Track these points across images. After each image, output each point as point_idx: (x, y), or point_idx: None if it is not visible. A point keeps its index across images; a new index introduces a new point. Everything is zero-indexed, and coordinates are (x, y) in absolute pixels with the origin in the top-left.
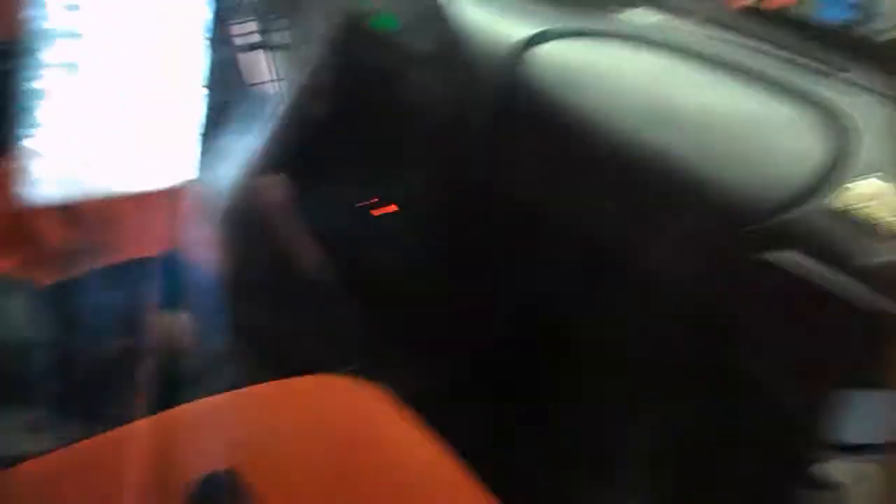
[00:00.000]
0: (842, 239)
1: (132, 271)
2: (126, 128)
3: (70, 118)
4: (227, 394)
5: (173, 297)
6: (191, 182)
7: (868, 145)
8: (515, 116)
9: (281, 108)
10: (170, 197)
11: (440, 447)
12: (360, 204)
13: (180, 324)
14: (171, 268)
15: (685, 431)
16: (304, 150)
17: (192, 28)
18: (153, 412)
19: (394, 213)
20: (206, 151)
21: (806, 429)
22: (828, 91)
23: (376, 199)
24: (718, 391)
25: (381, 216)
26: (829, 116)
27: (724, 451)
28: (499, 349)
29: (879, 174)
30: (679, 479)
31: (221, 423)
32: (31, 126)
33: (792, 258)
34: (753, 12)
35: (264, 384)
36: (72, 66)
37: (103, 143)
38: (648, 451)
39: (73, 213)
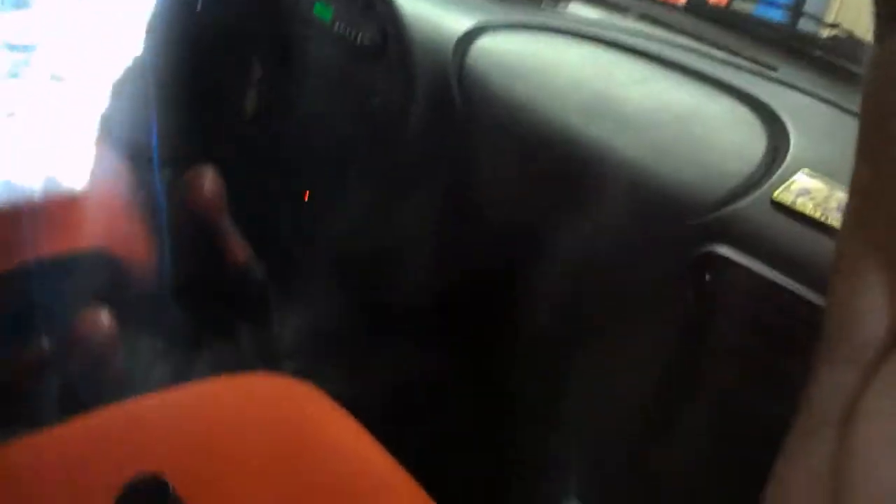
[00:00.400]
0: (776, 233)
1: (59, 267)
2: (51, 129)
3: None
4: (157, 393)
5: (101, 294)
6: (119, 178)
7: (799, 142)
8: (455, 109)
9: (217, 99)
10: (97, 193)
11: (376, 446)
12: (292, 195)
13: (107, 321)
14: (99, 264)
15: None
16: (234, 143)
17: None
18: (78, 413)
19: (326, 205)
20: (134, 146)
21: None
22: (762, 89)
23: (307, 191)
24: (666, 382)
25: (314, 211)
26: (764, 114)
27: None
28: (436, 347)
29: (808, 171)
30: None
31: (150, 423)
32: None
33: (730, 252)
34: (693, 7)
35: (194, 383)
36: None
37: (30, 144)
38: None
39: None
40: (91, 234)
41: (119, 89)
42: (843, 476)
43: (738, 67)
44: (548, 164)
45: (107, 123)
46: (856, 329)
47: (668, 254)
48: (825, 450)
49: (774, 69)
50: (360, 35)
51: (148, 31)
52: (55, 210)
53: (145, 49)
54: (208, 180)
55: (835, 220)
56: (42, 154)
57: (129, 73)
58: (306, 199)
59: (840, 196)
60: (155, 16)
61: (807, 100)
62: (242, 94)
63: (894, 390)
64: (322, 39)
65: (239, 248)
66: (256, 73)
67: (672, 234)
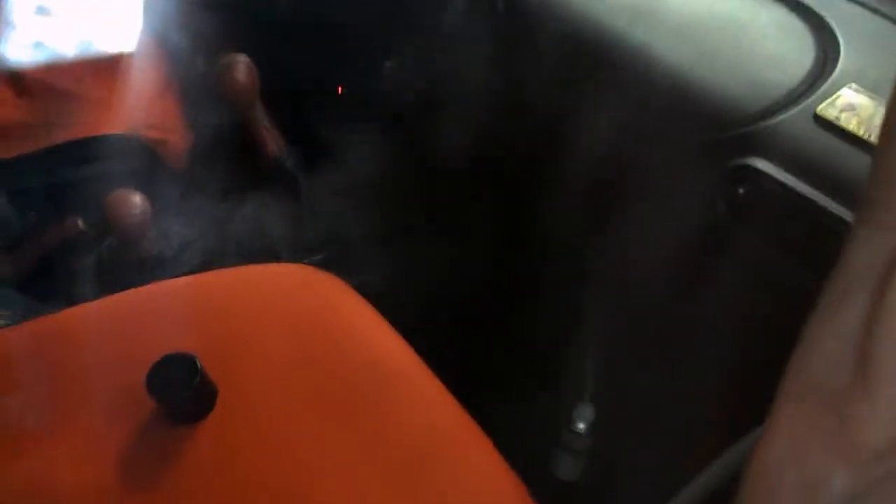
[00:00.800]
0: (817, 149)
1: (89, 149)
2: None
3: None
4: (186, 278)
5: (134, 177)
6: (155, 62)
7: (848, 55)
8: (496, 17)
9: None
10: (132, 76)
11: (394, 336)
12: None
13: (137, 204)
14: (133, 147)
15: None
16: (269, 33)
17: None
18: (110, 293)
19: (366, 111)
20: (171, 31)
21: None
22: None
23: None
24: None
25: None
26: (814, 23)
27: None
28: (459, 243)
29: (856, 85)
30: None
31: (180, 306)
32: None
33: (767, 166)
34: None
35: (223, 270)
36: None
37: (53, 8)
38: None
39: (26, 87)
40: (125, 118)
41: None
42: (874, 335)
43: None
44: (589, 65)
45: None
46: None
47: (705, 163)
48: (857, 312)
49: None
50: None
51: None
52: (90, 92)
53: None
54: (242, 68)
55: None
56: (76, 16)
57: None
58: (340, 92)
59: None
60: None
61: (860, 11)
62: None
63: None
64: None
65: (271, 139)
66: None
67: (710, 143)
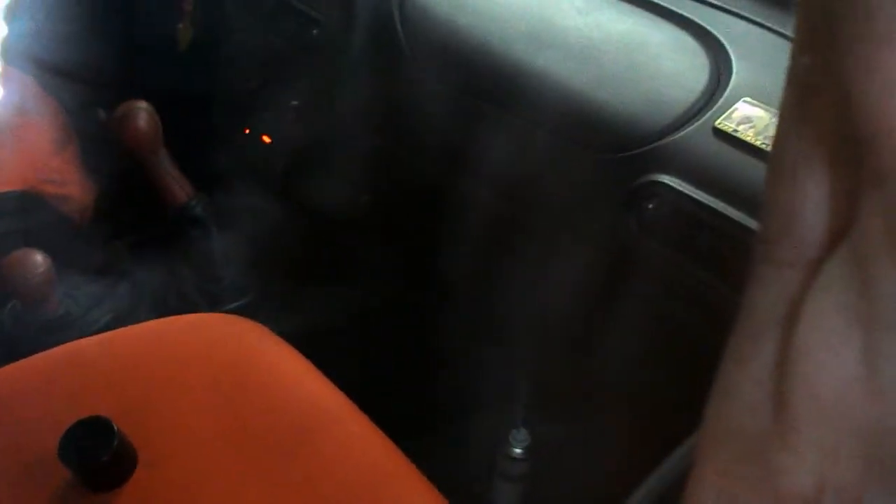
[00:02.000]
0: (718, 161)
1: None
2: None
3: None
4: (97, 337)
5: (33, 235)
6: (49, 115)
7: (741, 70)
8: (397, 38)
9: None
10: (21, 126)
11: (323, 381)
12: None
13: (39, 263)
14: (29, 205)
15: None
16: (168, 75)
17: None
18: (15, 359)
19: (268, 142)
20: (65, 81)
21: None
22: (704, 16)
23: (248, 131)
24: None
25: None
26: (707, 41)
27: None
28: (376, 280)
29: (750, 99)
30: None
31: (92, 367)
32: None
33: (672, 180)
34: None
35: (136, 325)
36: None
37: None
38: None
39: None
40: (20, 174)
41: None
42: (788, 378)
43: None
44: (490, 94)
45: (32, 50)
46: (796, 228)
47: (611, 183)
48: (769, 353)
49: None
50: None
51: None
52: None
53: None
54: (143, 115)
55: None
56: None
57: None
58: (246, 132)
59: None
60: None
61: (749, 27)
62: (174, 25)
63: (837, 289)
64: None
65: (178, 186)
66: (188, 2)
67: (615, 162)
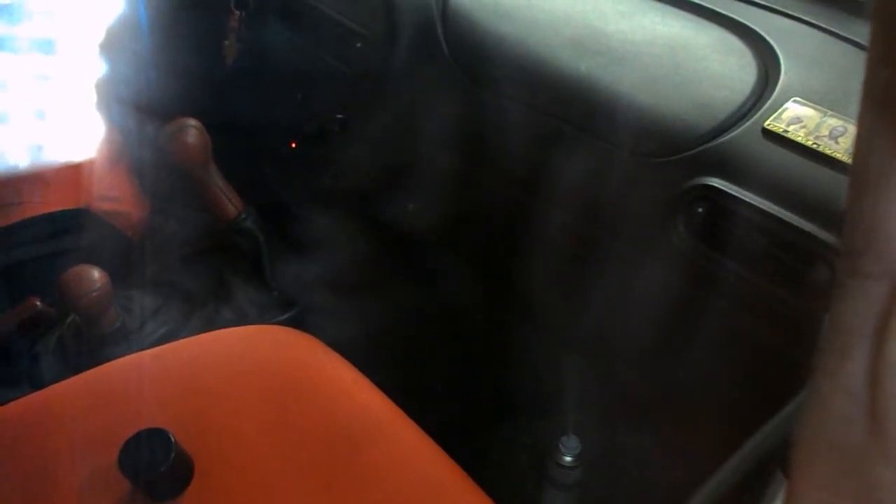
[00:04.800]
0: (768, 163)
1: (42, 227)
2: (40, 103)
3: None
4: (153, 350)
5: (87, 252)
6: (106, 135)
7: (789, 69)
8: (440, 48)
9: (196, 48)
10: (83, 153)
11: (375, 391)
12: (279, 143)
13: (96, 279)
14: (87, 222)
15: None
16: (216, 92)
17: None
18: (75, 373)
19: (314, 155)
20: (120, 104)
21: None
22: (751, 16)
23: (294, 144)
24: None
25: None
26: (754, 41)
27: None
28: (431, 291)
29: (800, 98)
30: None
31: (149, 379)
32: None
33: (721, 183)
34: None
35: (190, 338)
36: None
37: (17, 118)
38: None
39: None
40: (77, 193)
41: (107, 50)
42: (881, 392)
43: None
44: (537, 102)
45: (97, 85)
46: (880, 241)
47: (660, 187)
48: (860, 367)
49: None
50: None
51: None
52: (40, 170)
53: (132, 7)
54: (192, 132)
55: (827, 147)
56: (30, 123)
57: (116, 32)
58: (293, 146)
59: (831, 123)
60: None
61: (796, 25)
62: (220, 42)
63: None
64: None
65: (228, 200)
66: (233, 18)
67: (663, 167)
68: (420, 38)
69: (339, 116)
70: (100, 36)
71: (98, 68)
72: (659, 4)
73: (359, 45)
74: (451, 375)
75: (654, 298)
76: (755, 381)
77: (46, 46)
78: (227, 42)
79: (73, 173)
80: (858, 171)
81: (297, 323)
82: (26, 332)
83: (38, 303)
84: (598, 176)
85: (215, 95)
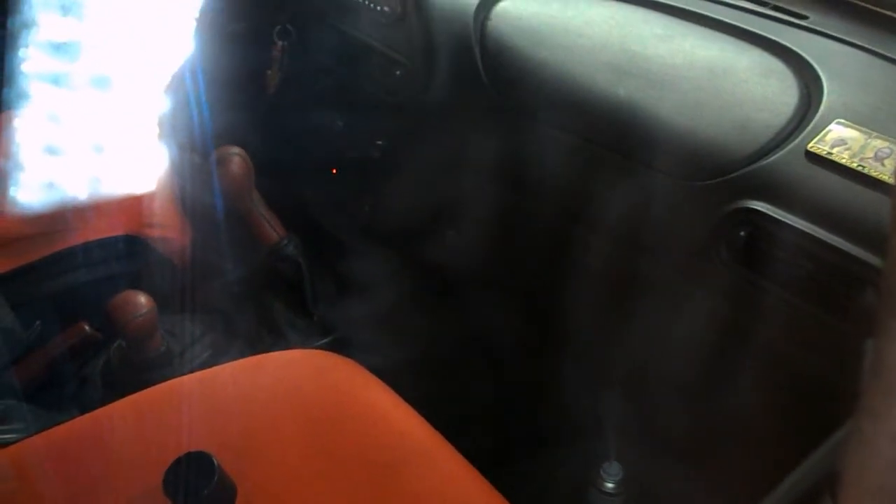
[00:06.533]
0: (813, 185)
1: (90, 253)
2: (96, 138)
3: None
4: (198, 374)
5: (137, 277)
6: (153, 164)
7: (832, 91)
8: (478, 75)
9: (241, 76)
10: (131, 181)
11: (416, 417)
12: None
13: (143, 304)
14: (133, 249)
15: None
16: (258, 119)
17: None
18: (121, 396)
19: (355, 182)
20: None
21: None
22: (792, 38)
23: (335, 171)
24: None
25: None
26: (796, 63)
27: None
28: (471, 317)
29: (843, 120)
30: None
31: (194, 403)
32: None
33: (765, 206)
34: None
35: (234, 362)
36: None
37: (73, 151)
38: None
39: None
40: (124, 220)
41: (172, 90)
42: None
43: (767, 17)
44: (577, 127)
45: (157, 121)
46: None
47: (703, 211)
48: None
49: (804, 17)
50: (379, 3)
51: (196, 28)
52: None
53: (194, 47)
54: (237, 160)
55: (872, 169)
56: (84, 156)
57: (179, 72)
58: (334, 173)
59: (877, 145)
60: (200, 12)
61: (838, 46)
62: (264, 72)
63: None
64: (341, 10)
65: (270, 226)
66: (276, 49)
67: (704, 191)
68: (459, 66)
69: (379, 143)
70: (164, 77)
71: (158, 104)
72: (698, 27)
73: (398, 73)
74: (491, 403)
75: (696, 325)
76: (798, 410)
77: (102, 83)
78: (269, 72)
79: (123, 201)
80: None
81: (338, 348)
82: (74, 356)
83: (87, 327)
84: (639, 201)
85: (258, 124)
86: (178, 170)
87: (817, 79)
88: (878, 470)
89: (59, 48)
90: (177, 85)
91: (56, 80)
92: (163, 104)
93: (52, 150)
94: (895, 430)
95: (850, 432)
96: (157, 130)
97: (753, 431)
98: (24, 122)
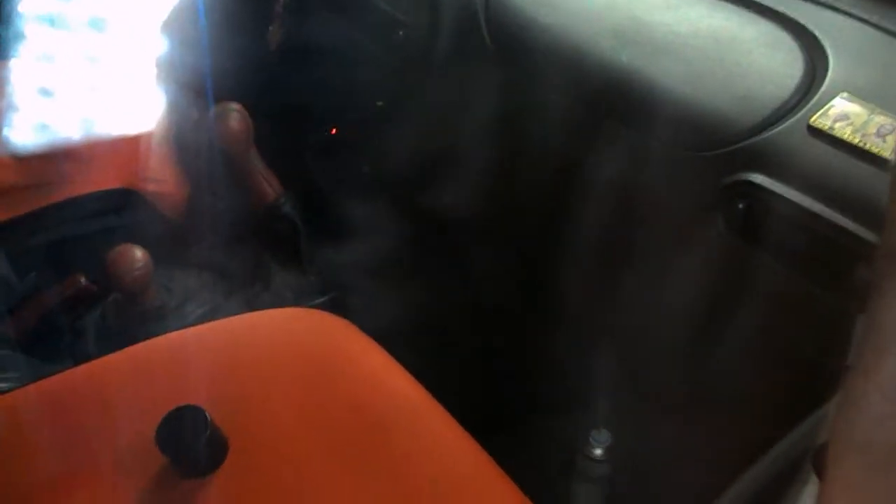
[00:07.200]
0: (813, 160)
1: (86, 206)
2: (91, 79)
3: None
4: (192, 329)
5: (130, 231)
6: (150, 116)
7: (838, 65)
8: (482, 38)
9: (242, 32)
10: (127, 133)
11: (407, 378)
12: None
13: (139, 258)
14: (129, 202)
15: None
16: (259, 76)
17: None
18: (116, 349)
19: (354, 142)
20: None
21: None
22: (799, 10)
23: (335, 130)
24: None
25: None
26: (802, 36)
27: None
28: (465, 280)
29: (847, 94)
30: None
31: (188, 358)
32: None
33: (764, 179)
34: None
35: (228, 319)
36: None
37: (68, 93)
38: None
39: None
40: (121, 173)
41: (167, 30)
42: None
43: None
44: (578, 92)
45: (154, 64)
46: None
47: (701, 181)
48: (895, 366)
49: None
50: None
51: None
52: (85, 150)
53: None
54: (235, 116)
55: (873, 145)
56: (79, 97)
57: (177, 14)
58: (333, 132)
59: (879, 121)
60: None
61: (846, 21)
62: (266, 27)
63: None
64: None
65: (267, 184)
66: (278, 4)
67: (704, 161)
68: (463, 28)
69: (380, 104)
70: (162, 16)
71: (156, 47)
72: None
73: (401, 33)
74: (483, 365)
75: (690, 294)
76: (790, 381)
77: (98, 25)
78: (271, 27)
79: (119, 153)
80: None
81: (333, 307)
82: (69, 308)
83: (82, 279)
84: (638, 169)
85: (258, 80)
86: (175, 123)
87: (823, 52)
88: (867, 426)
89: None
90: (176, 23)
91: (52, 21)
92: (161, 44)
93: (46, 92)
94: (885, 386)
95: (839, 394)
96: (154, 71)
97: (743, 402)
98: (19, 64)
